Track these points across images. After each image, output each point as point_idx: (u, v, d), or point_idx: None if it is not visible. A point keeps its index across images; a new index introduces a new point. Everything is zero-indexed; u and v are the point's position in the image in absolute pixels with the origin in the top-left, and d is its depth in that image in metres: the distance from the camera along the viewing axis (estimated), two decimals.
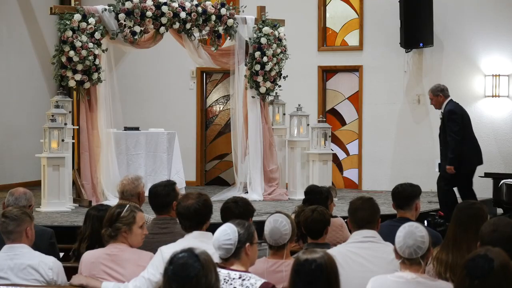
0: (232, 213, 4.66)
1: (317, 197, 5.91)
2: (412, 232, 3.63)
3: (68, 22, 9.36)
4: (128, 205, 4.60)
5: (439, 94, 9.21)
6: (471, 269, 2.96)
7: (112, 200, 8.88)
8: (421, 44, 11.60)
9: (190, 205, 4.39)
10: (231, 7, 10.59)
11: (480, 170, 10.49)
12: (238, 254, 3.66)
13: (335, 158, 11.88)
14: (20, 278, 4.30)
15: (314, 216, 4.89)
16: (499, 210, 10.14)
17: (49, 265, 4.35)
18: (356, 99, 12.40)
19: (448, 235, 4.26)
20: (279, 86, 10.93)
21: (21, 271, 4.30)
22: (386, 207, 9.39)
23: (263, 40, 10.60)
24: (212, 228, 4.44)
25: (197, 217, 4.39)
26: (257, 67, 10.61)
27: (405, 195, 5.16)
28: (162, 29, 10.01)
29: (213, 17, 10.32)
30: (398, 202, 5.18)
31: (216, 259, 3.58)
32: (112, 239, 4.48)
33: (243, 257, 3.68)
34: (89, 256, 4.51)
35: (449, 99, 9.20)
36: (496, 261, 2.96)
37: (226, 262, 3.66)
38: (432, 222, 8.56)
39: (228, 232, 3.64)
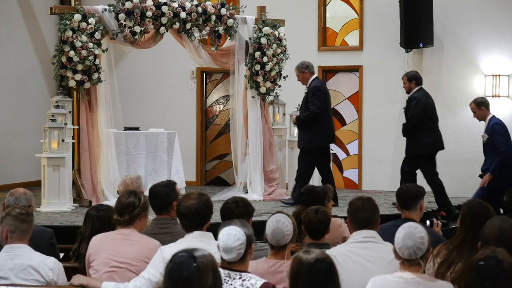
0: (232, 213, 4.66)
1: (314, 198, 5.91)
2: (411, 233, 3.63)
3: (68, 22, 9.36)
4: (138, 192, 4.84)
5: (304, 70, 9.70)
6: (482, 270, 2.96)
7: (112, 200, 8.87)
8: (421, 44, 11.60)
9: (191, 205, 4.40)
10: (231, 7, 10.58)
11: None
12: (245, 255, 3.66)
13: (335, 158, 11.88)
14: (20, 278, 4.29)
15: (319, 217, 4.91)
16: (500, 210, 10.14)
17: (50, 266, 4.35)
18: (356, 99, 12.40)
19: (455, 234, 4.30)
20: (279, 86, 10.93)
21: (21, 271, 4.29)
22: (386, 207, 9.40)
23: (263, 40, 10.60)
24: (212, 228, 4.45)
25: (198, 217, 4.40)
26: (257, 67, 10.62)
27: (410, 195, 5.17)
28: (162, 29, 10.00)
29: (213, 17, 10.32)
30: (403, 202, 5.18)
31: (216, 259, 3.58)
32: (128, 224, 4.63)
33: (247, 257, 3.69)
34: (99, 236, 4.68)
35: (314, 76, 9.75)
36: (506, 263, 2.96)
37: (230, 263, 3.65)
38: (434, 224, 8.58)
39: (239, 236, 3.62)
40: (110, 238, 4.59)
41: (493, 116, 9.16)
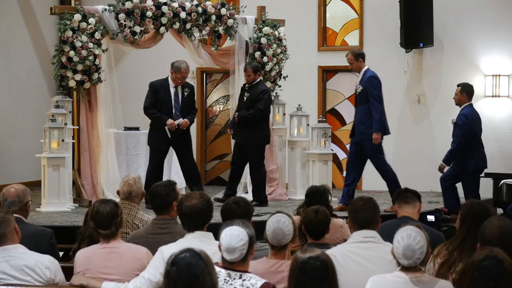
0: (233, 214, 4.66)
1: (319, 197, 5.92)
2: (410, 246, 3.60)
3: (68, 22, 9.35)
4: (110, 199, 4.73)
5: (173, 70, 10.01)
6: (485, 271, 2.98)
7: None
8: (421, 44, 11.60)
9: (194, 204, 4.41)
10: (231, 7, 10.58)
11: None
12: (247, 255, 3.67)
13: (335, 158, 11.87)
14: (17, 279, 4.24)
15: (318, 217, 4.91)
16: (499, 210, 10.14)
17: (46, 265, 4.32)
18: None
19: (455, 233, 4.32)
20: (279, 86, 10.92)
21: (17, 272, 4.25)
22: (386, 207, 9.39)
23: (263, 40, 10.60)
24: (211, 228, 4.45)
25: (201, 216, 4.41)
26: None
27: (410, 193, 5.21)
28: (162, 29, 10.00)
29: (213, 17, 10.32)
30: (403, 197, 5.20)
31: (216, 259, 3.58)
32: (114, 236, 4.50)
33: (248, 257, 3.69)
34: (83, 252, 4.54)
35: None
36: (506, 262, 2.98)
37: (231, 263, 3.65)
38: (439, 219, 8.61)
39: (242, 236, 3.63)
40: (96, 254, 4.46)
41: (368, 68, 9.40)
